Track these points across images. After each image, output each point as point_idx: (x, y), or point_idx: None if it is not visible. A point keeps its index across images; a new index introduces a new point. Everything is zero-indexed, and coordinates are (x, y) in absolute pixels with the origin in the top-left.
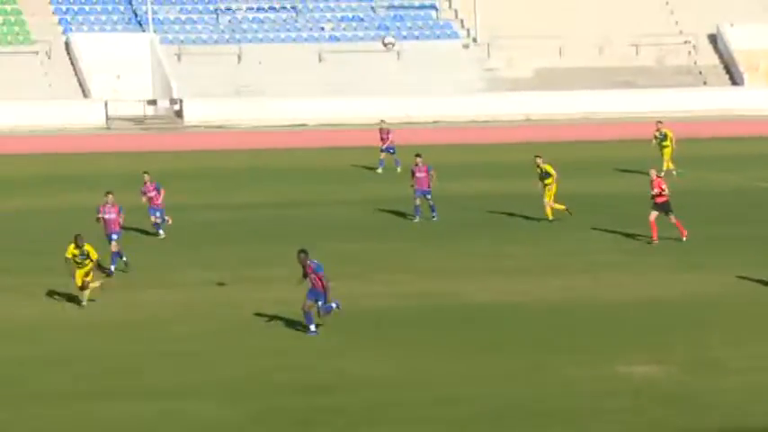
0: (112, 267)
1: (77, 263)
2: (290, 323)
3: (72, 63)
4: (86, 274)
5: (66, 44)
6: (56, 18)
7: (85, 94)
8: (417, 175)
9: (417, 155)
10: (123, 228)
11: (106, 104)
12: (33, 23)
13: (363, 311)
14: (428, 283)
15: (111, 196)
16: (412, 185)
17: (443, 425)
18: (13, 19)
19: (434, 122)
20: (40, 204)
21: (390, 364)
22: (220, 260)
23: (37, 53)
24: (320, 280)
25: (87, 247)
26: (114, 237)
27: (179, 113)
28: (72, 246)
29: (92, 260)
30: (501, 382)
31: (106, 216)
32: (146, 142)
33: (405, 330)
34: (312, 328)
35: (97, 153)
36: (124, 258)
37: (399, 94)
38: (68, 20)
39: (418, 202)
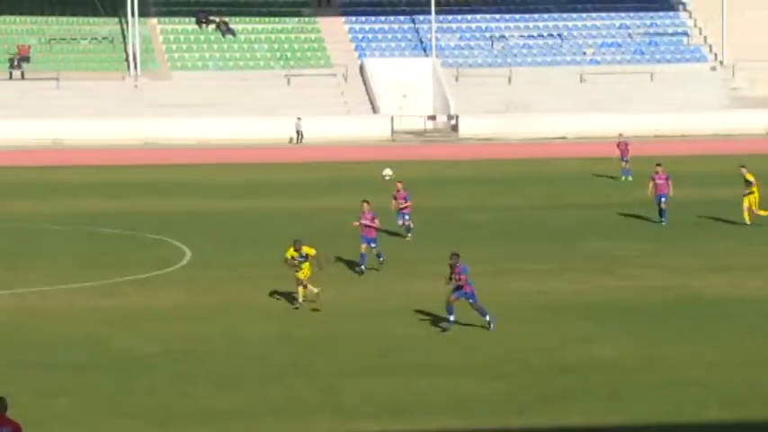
0: (363, 267)
1: (295, 265)
2: (545, 310)
3: (365, 83)
4: (305, 275)
5: (361, 67)
6: (352, 45)
7: (375, 110)
8: (657, 181)
9: (658, 164)
10: (378, 230)
11: (392, 119)
12: (333, 49)
13: (611, 302)
14: (671, 277)
15: (367, 204)
16: (651, 191)
17: (678, 405)
18: (316, 45)
19: (682, 136)
20: (332, 204)
21: (635, 350)
22: (484, 255)
23: (335, 75)
24: (467, 283)
25: (306, 249)
26: (373, 245)
27: (455, 127)
28: (291, 249)
29: (311, 257)
30: (741, 368)
31: (363, 222)
32: (425, 152)
33: (649, 319)
34: (452, 318)
35: (383, 162)
36: (381, 259)
37: (651, 111)
38: (363, 46)
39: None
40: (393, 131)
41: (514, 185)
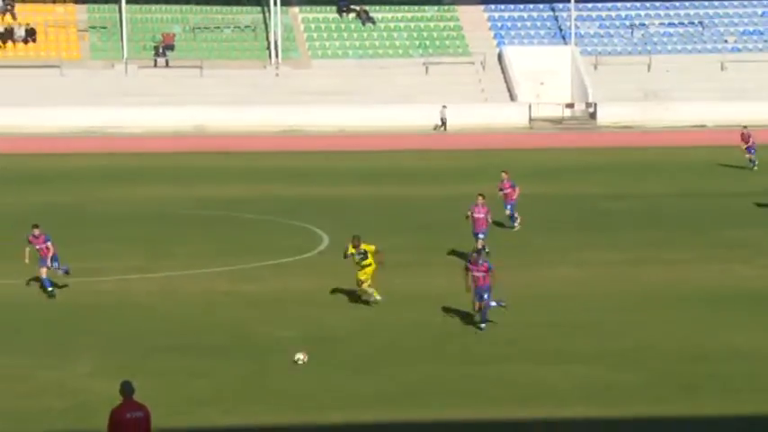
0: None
1: (357, 262)
2: (681, 298)
3: (503, 71)
4: (365, 273)
5: (499, 55)
6: (491, 33)
7: (512, 98)
8: None
9: None
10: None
11: (530, 107)
12: (471, 38)
13: (749, 291)
14: None
15: (481, 198)
16: None
17: None
18: (455, 34)
19: None
20: (470, 191)
21: None
22: (621, 243)
23: (473, 63)
24: (487, 274)
25: (364, 246)
26: (481, 236)
27: (593, 115)
28: (350, 245)
29: (368, 258)
30: None
31: (475, 215)
32: (563, 140)
33: None
34: (483, 326)
35: (519, 149)
36: (486, 250)
37: None
38: (502, 35)
39: None
40: (531, 119)
41: (653, 173)
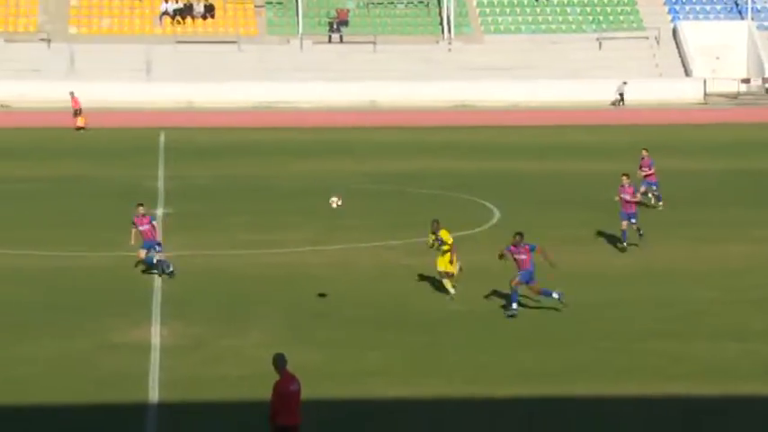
0: (625, 244)
1: (437, 248)
2: None
3: (677, 46)
4: (449, 261)
5: (674, 30)
6: (666, 8)
7: (687, 73)
8: None
9: None
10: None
11: (705, 82)
12: (645, 12)
13: None
14: None
15: (625, 178)
16: None
17: None
18: (628, 9)
19: None
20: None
21: None
22: None
23: (647, 38)
24: (529, 262)
25: (442, 234)
26: (633, 220)
27: None
28: (430, 232)
29: (447, 244)
30: None
31: (622, 196)
32: (738, 115)
33: None
34: (514, 306)
35: (694, 125)
36: (625, 243)
37: None
38: (676, 9)
39: None
40: (706, 94)
41: None
